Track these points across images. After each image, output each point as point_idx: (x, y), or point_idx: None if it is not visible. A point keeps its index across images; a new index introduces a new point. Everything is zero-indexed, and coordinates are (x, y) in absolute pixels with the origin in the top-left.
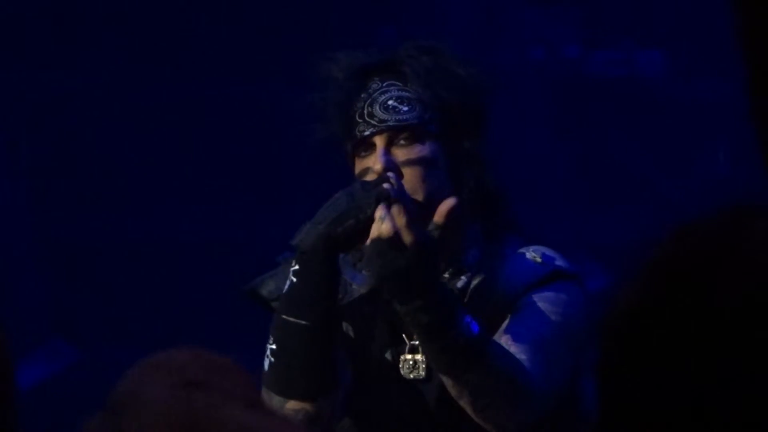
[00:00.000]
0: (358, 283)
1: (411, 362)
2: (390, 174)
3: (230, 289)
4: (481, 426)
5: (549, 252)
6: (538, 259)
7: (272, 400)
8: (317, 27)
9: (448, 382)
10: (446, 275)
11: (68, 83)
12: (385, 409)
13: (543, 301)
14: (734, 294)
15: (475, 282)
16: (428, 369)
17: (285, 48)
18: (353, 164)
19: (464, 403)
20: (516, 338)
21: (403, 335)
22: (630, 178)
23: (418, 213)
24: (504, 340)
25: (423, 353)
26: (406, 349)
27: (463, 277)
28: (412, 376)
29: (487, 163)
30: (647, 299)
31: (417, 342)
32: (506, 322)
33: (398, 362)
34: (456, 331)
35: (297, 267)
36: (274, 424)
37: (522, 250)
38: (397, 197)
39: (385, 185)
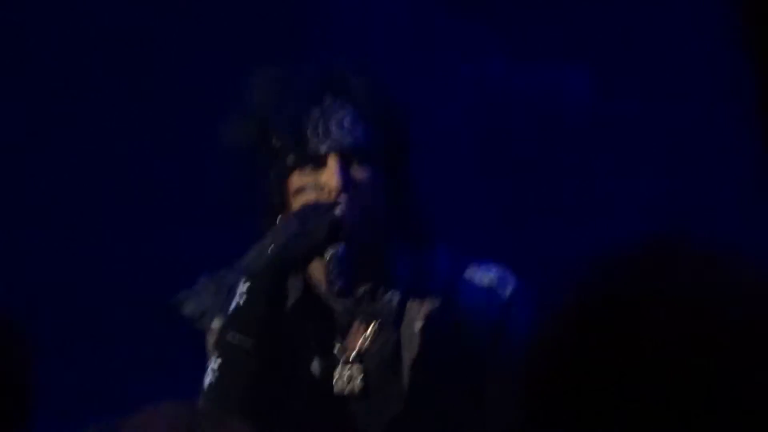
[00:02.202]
0: None
1: (346, 376)
2: (343, 197)
3: (154, 306)
4: None
5: (497, 270)
6: (494, 283)
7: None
8: (241, 48)
9: None
10: (366, 289)
11: None
12: (315, 428)
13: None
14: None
15: (423, 306)
16: (365, 383)
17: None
18: (286, 178)
19: None
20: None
21: (335, 349)
22: (558, 196)
23: (365, 234)
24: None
25: (359, 364)
26: (341, 362)
27: (390, 295)
28: (347, 391)
29: (414, 184)
30: (574, 328)
31: (352, 355)
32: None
33: (330, 377)
34: None
35: (246, 287)
36: None
37: (470, 273)
38: (351, 221)
39: (337, 210)
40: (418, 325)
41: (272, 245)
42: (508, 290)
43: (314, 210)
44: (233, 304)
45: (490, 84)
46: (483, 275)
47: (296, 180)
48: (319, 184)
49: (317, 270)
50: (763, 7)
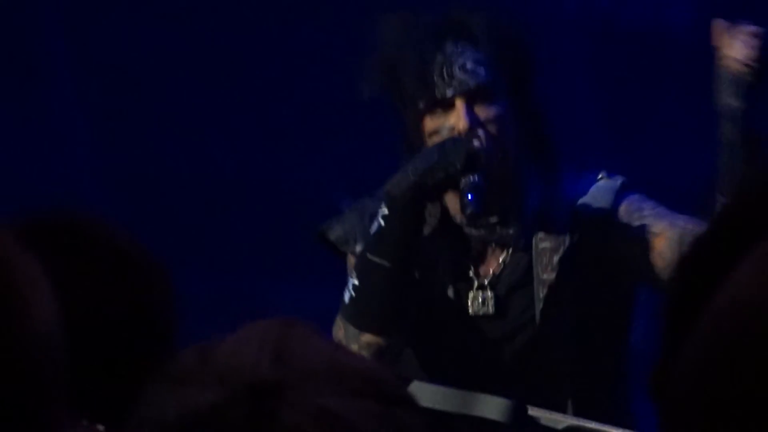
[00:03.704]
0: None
1: (480, 299)
2: (480, 131)
3: (301, 229)
4: (547, 369)
5: (606, 173)
6: (605, 177)
7: (348, 330)
8: None
9: None
10: (499, 218)
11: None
12: (450, 345)
13: (643, 204)
14: None
15: (551, 231)
16: (497, 305)
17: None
18: (420, 121)
19: None
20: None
21: (470, 273)
22: (659, 124)
23: (498, 166)
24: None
25: (493, 289)
26: (475, 286)
27: (523, 219)
28: (481, 312)
29: (542, 115)
30: (717, 247)
31: (486, 280)
32: (669, 233)
33: (465, 300)
34: None
35: (386, 212)
36: (356, 357)
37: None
38: (486, 153)
39: (475, 142)
40: (547, 247)
41: (412, 173)
42: (617, 183)
43: (453, 142)
44: (373, 228)
45: (596, 15)
46: (595, 181)
47: (429, 123)
48: (450, 125)
49: (453, 200)
50: None
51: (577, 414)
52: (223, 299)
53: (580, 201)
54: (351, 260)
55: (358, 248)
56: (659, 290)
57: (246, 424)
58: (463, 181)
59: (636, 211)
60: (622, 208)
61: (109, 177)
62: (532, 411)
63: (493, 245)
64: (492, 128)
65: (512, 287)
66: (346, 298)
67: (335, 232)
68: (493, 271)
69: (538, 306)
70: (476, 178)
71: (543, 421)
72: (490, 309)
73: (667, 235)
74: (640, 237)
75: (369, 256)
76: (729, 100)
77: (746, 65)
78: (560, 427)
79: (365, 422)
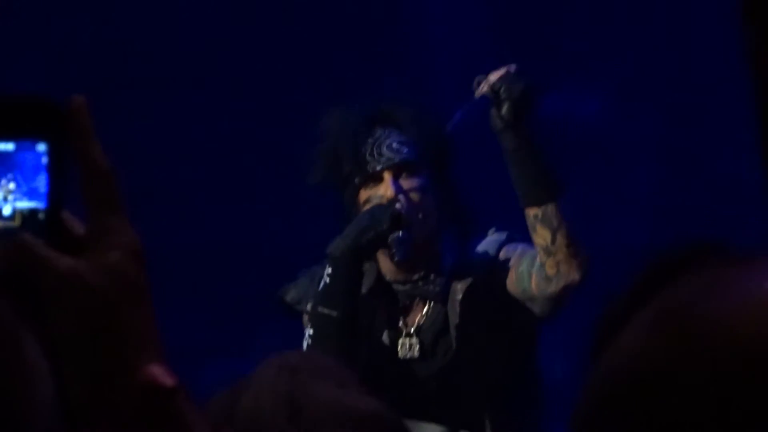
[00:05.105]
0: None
1: (407, 345)
2: (401, 196)
3: (262, 294)
4: (467, 397)
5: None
6: (493, 235)
7: None
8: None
9: (547, 212)
10: (421, 276)
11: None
12: (384, 383)
13: (517, 247)
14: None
15: (461, 284)
16: (421, 350)
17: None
18: (356, 194)
19: (561, 235)
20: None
21: (400, 323)
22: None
23: (419, 225)
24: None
25: (418, 336)
26: (404, 334)
27: (439, 279)
28: (408, 356)
29: (458, 186)
30: (619, 312)
31: (413, 329)
32: (516, 266)
33: (396, 345)
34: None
35: (330, 270)
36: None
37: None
38: (407, 214)
39: (397, 205)
40: (458, 298)
41: (349, 235)
42: (503, 236)
43: (379, 207)
44: (321, 285)
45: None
46: (489, 236)
47: (363, 194)
48: (380, 194)
49: (385, 262)
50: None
51: None
52: (212, 336)
53: (475, 252)
54: (305, 317)
55: (310, 306)
56: (539, 314)
57: None
58: (390, 238)
59: (510, 252)
60: (502, 253)
61: None
62: None
63: (417, 299)
64: (414, 196)
65: (434, 334)
66: (305, 345)
67: (290, 294)
68: (417, 321)
69: (453, 346)
70: (401, 234)
71: None
72: (416, 353)
73: (514, 267)
74: (506, 271)
75: (319, 308)
76: (495, 121)
77: (493, 91)
78: None
79: None
